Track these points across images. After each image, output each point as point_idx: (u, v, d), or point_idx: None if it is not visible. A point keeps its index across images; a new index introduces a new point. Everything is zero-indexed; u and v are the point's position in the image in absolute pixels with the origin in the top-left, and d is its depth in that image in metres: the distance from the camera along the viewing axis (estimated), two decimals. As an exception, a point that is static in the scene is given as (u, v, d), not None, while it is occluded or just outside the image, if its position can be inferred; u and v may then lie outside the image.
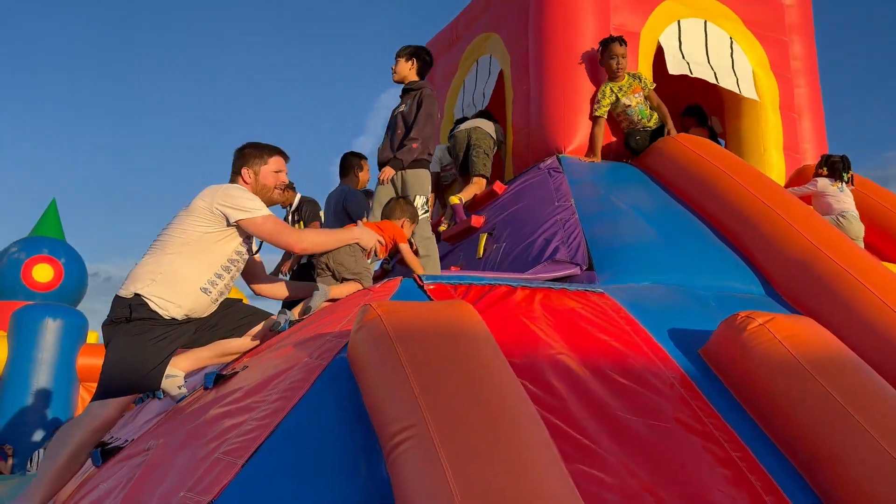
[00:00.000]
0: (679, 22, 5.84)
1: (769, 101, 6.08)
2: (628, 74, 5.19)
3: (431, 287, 3.01)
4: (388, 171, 4.26)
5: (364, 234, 3.49)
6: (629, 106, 5.15)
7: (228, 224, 2.98)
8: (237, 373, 2.66)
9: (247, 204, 3.00)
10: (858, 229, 5.17)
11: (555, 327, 2.90)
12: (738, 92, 5.81)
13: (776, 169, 5.96)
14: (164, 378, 2.80)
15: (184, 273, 2.90)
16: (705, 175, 4.46)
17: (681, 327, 3.20)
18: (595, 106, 5.16)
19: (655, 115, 5.20)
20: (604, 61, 5.21)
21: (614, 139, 5.36)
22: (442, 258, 5.14)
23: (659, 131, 5.12)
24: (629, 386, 2.62)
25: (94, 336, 13.55)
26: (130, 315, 2.82)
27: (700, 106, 6.35)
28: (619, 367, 2.73)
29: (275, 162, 3.25)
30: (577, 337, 2.88)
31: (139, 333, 2.81)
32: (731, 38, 6.04)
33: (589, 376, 2.62)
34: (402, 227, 3.86)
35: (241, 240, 3.07)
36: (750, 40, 6.14)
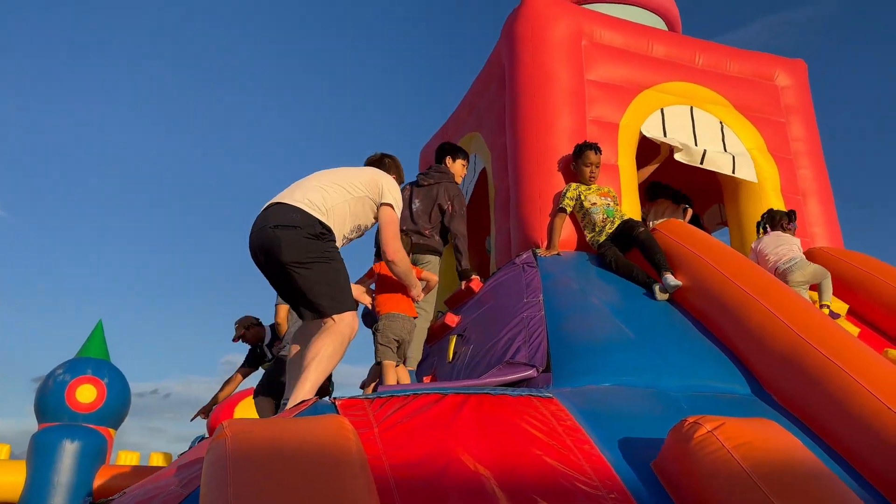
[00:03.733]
0: (662, 110, 5.69)
1: (770, 184, 5.78)
2: (599, 188, 4.94)
3: (344, 402, 2.72)
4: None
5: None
6: (594, 204, 4.80)
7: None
8: (112, 500, 2.40)
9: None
10: (801, 275, 4.67)
11: (477, 441, 2.55)
12: (730, 174, 5.54)
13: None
14: None
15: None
16: (685, 264, 4.13)
17: (638, 436, 2.80)
18: (560, 200, 4.91)
19: (619, 216, 4.80)
20: (577, 167, 4.94)
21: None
22: (421, 362, 4.88)
23: (627, 226, 4.69)
24: (551, 510, 2.24)
25: (130, 457, 13.40)
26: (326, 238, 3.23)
27: (678, 191, 6.13)
28: (544, 488, 2.34)
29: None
30: (502, 451, 2.52)
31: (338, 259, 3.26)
32: (720, 122, 5.85)
33: (503, 499, 2.25)
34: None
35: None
36: (742, 123, 5.93)
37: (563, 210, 4.87)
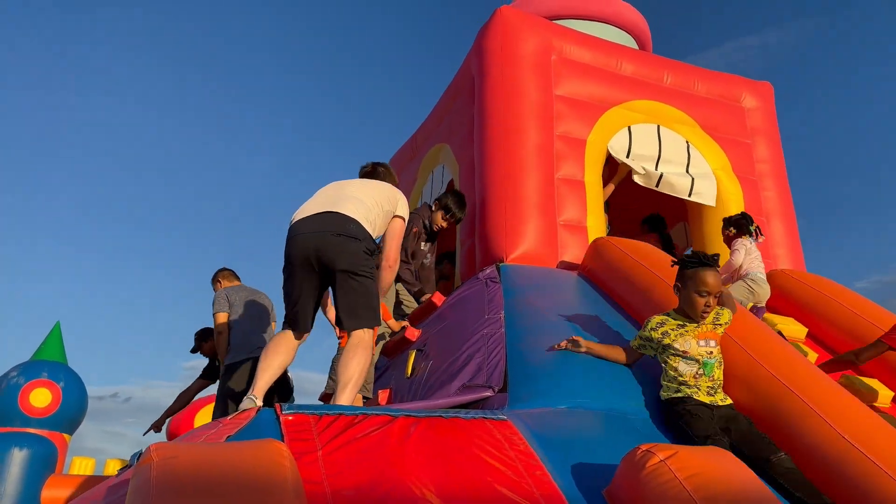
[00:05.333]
0: (630, 128, 5.70)
1: (734, 205, 5.81)
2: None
3: (289, 418, 2.62)
4: None
5: None
6: (686, 353, 3.23)
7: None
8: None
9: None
10: (766, 291, 4.84)
11: (425, 466, 2.46)
12: (686, 198, 5.57)
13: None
14: None
15: None
16: (642, 281, 4.10)
17: (591, 461, 2.73)
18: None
19: (719, 382, 3.25)
20: (682, 291, 3.36)
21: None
22: (379, 377, 4.79)
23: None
24: (497, 541, 2.16)
25: (85, 463, 12.97)
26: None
27: (655, 214, 6.14)
28: (491, 516, 2.27)
29: None
30: (451, 477, 2.43)
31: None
32: (687, 141, 5.87)
33: (448, 529, 2.17)
34: None
35: None
36: (708, 143, 5.96)
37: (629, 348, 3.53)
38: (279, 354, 3.46)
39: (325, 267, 3.42)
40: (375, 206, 3.65)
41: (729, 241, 5.17)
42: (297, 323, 3.50)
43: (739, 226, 5.09)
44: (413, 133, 7.25)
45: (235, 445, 1.99)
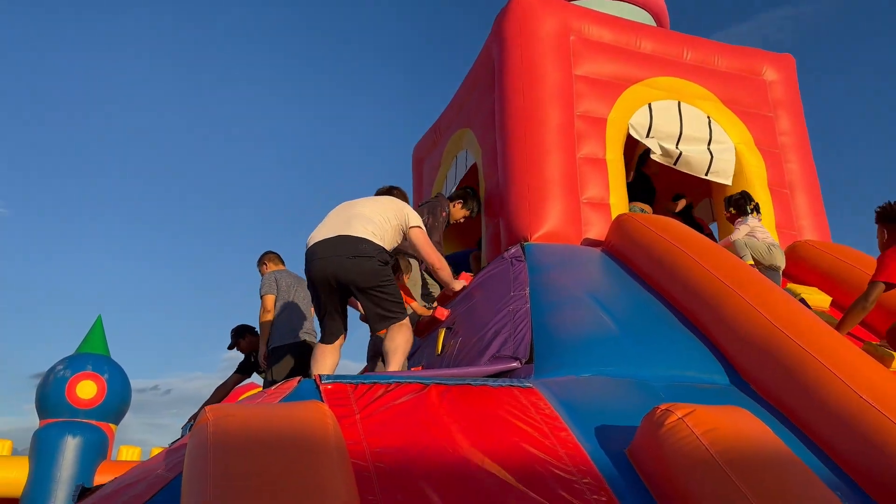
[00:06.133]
0: (650, 105, 5.75)
1: (757, 178, 5.84)
2: None
3: (328, 387, 2.80)
4: None
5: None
6: None
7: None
8: (102, 486, 2.48)
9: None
10: (782, 259, 5.02)
11: (457, 429, 2.63)
12: (703, 176, 5.63)
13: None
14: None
15: None
16: (665, 256, 4.20)
17: (614, 424, 2.87)
18: None
19: None
20: None
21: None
22: (411, 356, 4.96)
23: None
24: (525, 494, 2.31)
25: (131, 451, 13.46)
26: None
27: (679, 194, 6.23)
28: (520, 473, 2.42)
29: None
30: (481, 439, 2.60)
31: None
32: (708, 117, 5.90)
33: (480, 485, 2.33)
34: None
35: None
36: (730, 118, 5.98)
37: None
38: (326, 357, 3.93)
39: (345, 286, 3.84)
40: (384, 222, 3.98)
41: (732, 220, 5.33)
42: (332, 336, 3.99)
43: (738, 206, 5.26)
44: (435, 120, 7.38)
45: (282, 406, 2.17)
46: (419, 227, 4.19)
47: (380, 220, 3.97)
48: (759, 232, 5.08)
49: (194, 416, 6.78)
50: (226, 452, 1.85)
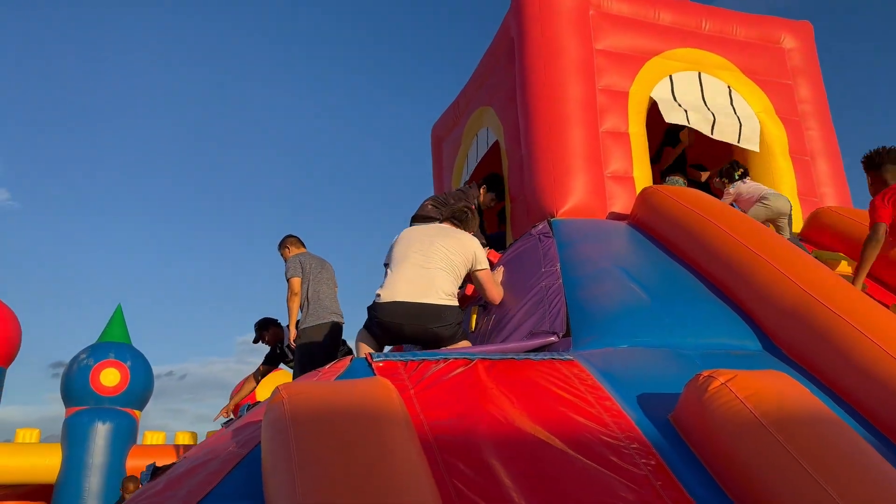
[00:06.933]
0: (671, 76, 5.78)
1: (778, 146, 5.89)
2: None
3: (380, 365, 2.92)
4: None
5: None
6: None
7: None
8: (174, 464, 2.61)
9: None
10: (784, 204, 5.30)
11: (507, 400, 2.74)
12: (736, 143, 5.66)
13: (792, 216, 5.69)
14: None
15: None
16: (693, 227, 4.27)
17: (655, 392, 2.98)
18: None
19: None
20: None
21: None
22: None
23: None
24: (578, 459, 2.43)
25: (156, 436, 13.77)
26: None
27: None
28: (570, 440, 2.54)
29: None
30: (530, 409, 2.71)
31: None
32: (728, 86, 5.93)
33: (534, 452, 2.45)
34: None
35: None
36: (750, 87, 6.01)
37: None
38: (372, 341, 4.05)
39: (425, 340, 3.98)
40: (458, 278, 4.09)
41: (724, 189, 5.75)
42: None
43: (728, 174, 5.70)
44: (455, 99, 7.42)
45: (350, 382, 2.29)
46: (486, 269, 4.29)
47: (456, 274, 4.07)
48: (746, 191, 5.51)
49: (224, 414, 6.94)
50: (305, 425, 1.97)
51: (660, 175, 6.20)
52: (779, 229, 5.22)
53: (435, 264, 4.00)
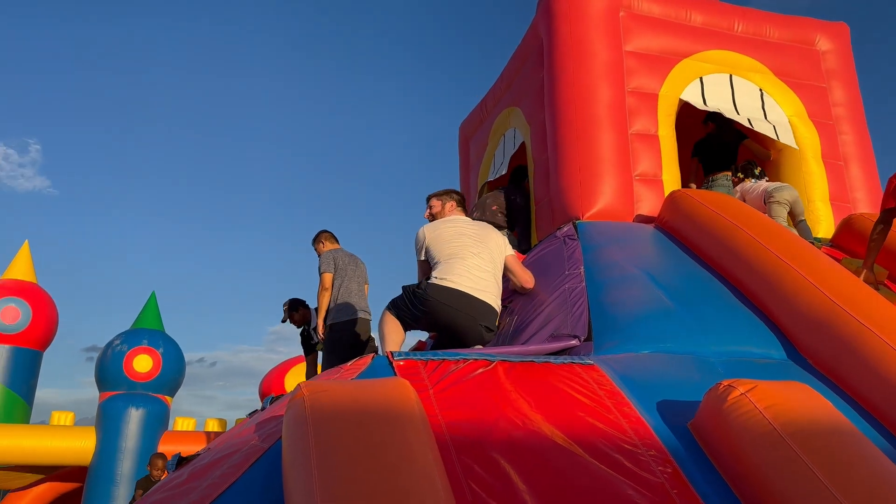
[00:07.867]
0: (702, 78, 5.73)
1: (810, 150, 5.80)
2: None
3: (401, 363, 2.96)
4: None
5: None
6: None
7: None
8: (198, 455, 2.69)
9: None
10: (790, 192, 5.47)
11: (525, 403, 2.76)
12: (775, 138, 5.59)
13: (823, 221, 5.61)
14: None
15: None
16: (721, 232, 4.24)
17: (675, 399, 2.97)
18: None
19: None
20: None
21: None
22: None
23: None
24: (594, 465, 2.44)
25: (187, 422, 14.07)
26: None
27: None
28: (587, 445, 2.55)
29: None
30: (548, 413, 2.72)
31: None
32: (760, 89, 5.85)
33: (550, 456, 2.47)
34: None
35: None
36: (783, 90, 5.92)
37: None
38: (400, 332, 4.17)
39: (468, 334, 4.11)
40: (498, 273, 4.35)
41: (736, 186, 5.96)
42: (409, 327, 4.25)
43: (746, 170, 5.94)
44: (482, 98, 7.43)
45: (368, 382, 2.33)
46: (512, 254, 4.54)
47: (499, 275, 4.35)
48: (750, 188, 5.76)
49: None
50: (324, 423, 2.02)
51: (703, 179, 6.12)
52: (795, 216, 5.50)
53: (493, 266, 4.29)
